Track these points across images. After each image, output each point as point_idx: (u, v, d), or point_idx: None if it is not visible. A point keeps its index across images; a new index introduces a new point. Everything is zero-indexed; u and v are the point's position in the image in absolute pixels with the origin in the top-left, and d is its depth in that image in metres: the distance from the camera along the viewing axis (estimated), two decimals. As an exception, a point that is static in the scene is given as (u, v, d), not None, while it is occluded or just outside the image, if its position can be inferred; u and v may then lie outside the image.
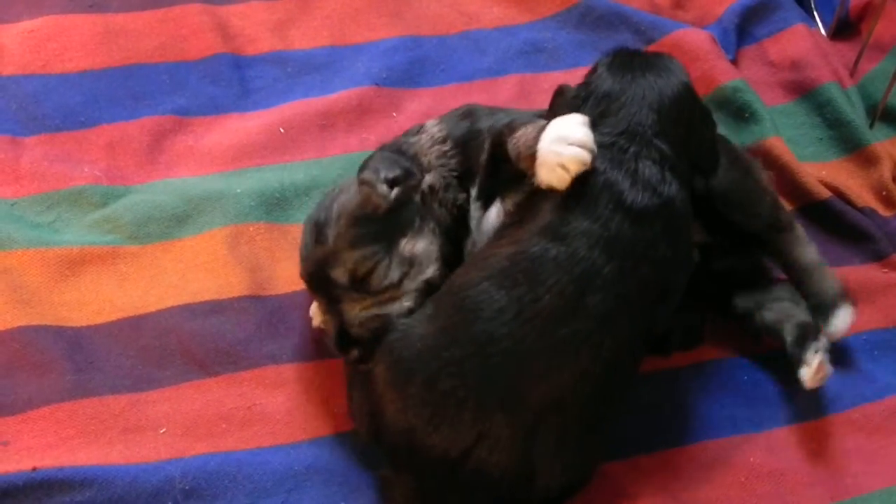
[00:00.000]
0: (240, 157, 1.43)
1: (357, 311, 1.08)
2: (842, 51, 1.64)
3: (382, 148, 1.21)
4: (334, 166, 1.42)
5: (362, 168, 1.11)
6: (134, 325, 1.22)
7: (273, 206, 1.36)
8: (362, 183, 1.08)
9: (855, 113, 1.52)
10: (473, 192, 1.17)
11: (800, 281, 1.23)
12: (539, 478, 1.02)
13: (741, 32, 1.64)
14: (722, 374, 1.23)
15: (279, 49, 1.58)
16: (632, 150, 1.06)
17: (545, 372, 0.99)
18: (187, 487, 1.09)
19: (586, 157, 1.01)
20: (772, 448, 1.16)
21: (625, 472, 1.13)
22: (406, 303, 1.08)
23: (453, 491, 1.02)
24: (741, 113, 1.50)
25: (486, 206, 1.15)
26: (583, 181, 1.02)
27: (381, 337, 1.05)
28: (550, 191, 1.03)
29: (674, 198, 1.05)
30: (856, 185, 1.45)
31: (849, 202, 1.42)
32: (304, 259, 1.12)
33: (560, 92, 1.17)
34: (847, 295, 1.21)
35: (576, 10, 1.68)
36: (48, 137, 1.42)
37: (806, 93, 1.56)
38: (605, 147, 1.05)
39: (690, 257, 1.11)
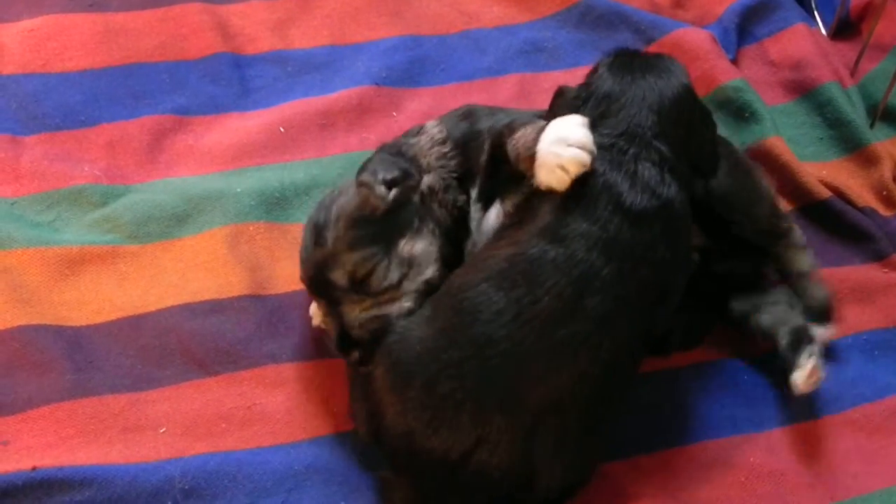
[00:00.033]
0: (240, 156, 1.43)
1: (357, 313, 1.08)
2: (842, 50, 1.64)
3: (382, 148, 1.21)
4: (334, 166, 1.42)
5: (361, 170, 1.11)
6: (134, 325, 1.22)
7: (273, 205, 1.36)
8: (360, 185, 1.08)
9: (855, 113, 1.51)
10: (473, 193, 1.16)
11: (793, 285, 1.24)
12: (539, 479, 1.02)
13: (741, 32, 1.64)
14: (722, 375, 1.23)
15: (279, 48, 1.58)
16: (631, 151, 1.06)
17: (544, 374, 0.99)
18: (187, 487, 1.09)
19: (586, 158, 1.01)
20: (772, 448, 1.16)
21: (625, 472, 1.13)
22: (406, 304, 1.08)
23: (453, 492, 1.02)
24: (741, 112, 1.50)
25: (486, 207, 1.14)
26: (582, 183, 1.02)
27: (382, 338, 1.05)
28: (550, 192, 1.03)
29: (673, 199, 1.05)
30: (856, 185, 1.45)
31: (849, 202, 1.41)
32: (304, 261, 1.12)
33: (560, 93, 1.17)
34: (830, 312, 1.22)
35: (576, 9, 1.68)
36: (48, 136, 1.42)
37: (806, 92, 1.56)
38: (605, 148, 1.05)
39: (689, 259, 1.11)
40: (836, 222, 1.40)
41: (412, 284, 1.09)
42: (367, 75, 1.54)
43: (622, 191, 1.03)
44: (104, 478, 1.07)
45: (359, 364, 1.07)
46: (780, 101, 1.57)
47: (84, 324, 1.22)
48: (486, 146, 1.14)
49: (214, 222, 1.32)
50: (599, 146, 1.04)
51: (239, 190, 1.36)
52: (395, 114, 1.51)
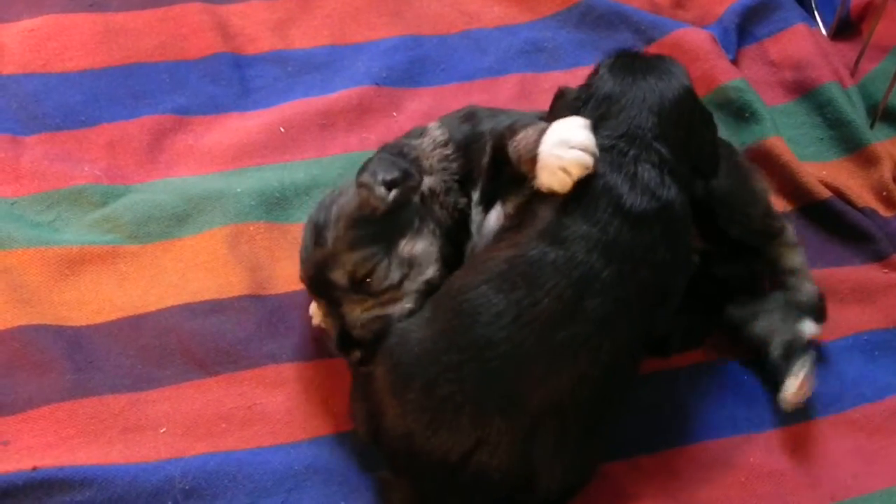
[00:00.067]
0: (240, 156, 1.43)
1: (359, 313, 1.07)
2: (842, 51, 1.64)
3: (384, 149, 1.20)
4: (334, 166, 1.42)
5: (361, 170, 1.11)
6: (134, 325, 1.22)
7: (273, 205, 1.36)
8: (360, 185, 1.08)
9: (855, 113, 1.51)
10: (474, 195, 1.16)
11: (783, 282, 1.24)
12: (540, 480, 1.02)
13: (742, 32, 1.64)
14: (722, 375, 1.23)
15: (279, 48, 1.58)
16: (631, 153, 1.06)
17: (544, 375, 0.98)
18: (187, 487, 1.09)
19: (588, 160, 1.01)
20: (772, 448, 1.16)
21: (625, 473, 1.13)
22: (407, 304, 1.08)
23: (453, 494, 1.02)
24: (742, 113, 1.50)
25: (487, 209, 1.14)
26: (582, 185, 1.02)
27: (383, 338, 1.05)
28: (551, 194, 1.03)
29: (673, 201, 1.05)
30: (856, 185, 1.45)
31: (849, 202, 1.41)
32: (304, 261, 1.12)
33: (560, 94, 1.17)
34: (818, 310, 1.22)
35: (576, 9, 1.68)
36: (48, 136, 1.42)
37: (806, 92, 1.56)
38: (605, 150, 1.05)
39: (690, 260, 1.11)
40: (836, 222, 1.40)
41: (413, 284, 1.09)
42: (367, 75, 1.54)
43: (622, 193, 1.03)
44: (104, 478, 1.07)
45: (359, 364, 1.07)
46: (780, 102, 1.57)
47: (84, 324, 1.22)
48: (488, 148, 1.13)
49: (214, 222, 1.32)
50: (600, 148, 1.04)
51: (239, 190, 1.36)
52: (395, 114, 1.51)
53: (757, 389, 1.22)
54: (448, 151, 1.18)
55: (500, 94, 1.55)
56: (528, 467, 1.00)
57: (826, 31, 1.68)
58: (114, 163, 1.41)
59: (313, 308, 1.20)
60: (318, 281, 1.09)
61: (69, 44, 1.52)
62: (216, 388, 1.18)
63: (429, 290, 1.08)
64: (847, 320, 1.29)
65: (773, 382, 1.19)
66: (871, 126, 1.53)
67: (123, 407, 1.15)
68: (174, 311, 1.24)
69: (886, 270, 1.36)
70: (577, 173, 1.01)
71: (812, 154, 1.50)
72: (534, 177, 1.04)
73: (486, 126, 1.19)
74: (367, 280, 1.07)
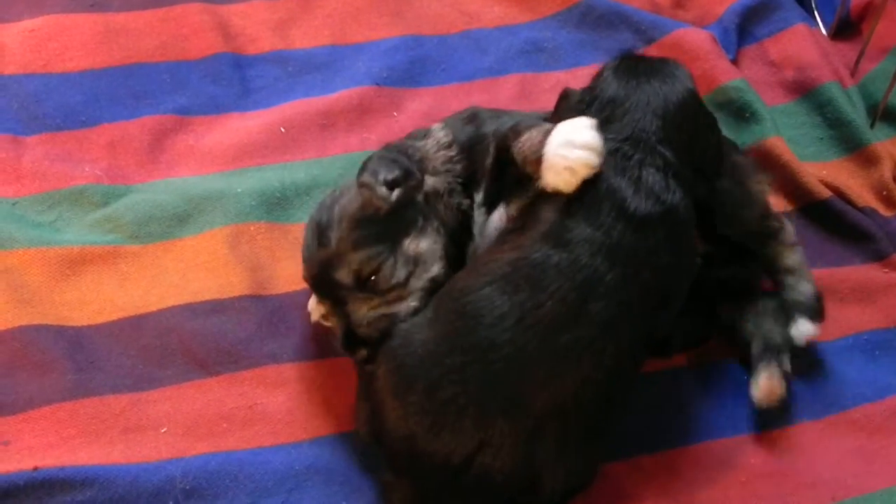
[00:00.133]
0: (240, 156, 1.43)
1: (365, 311, 1.07)
2: (842, 50, 1.64)
3: (388, 149, 1.20)
4: (335, 166, 1.42)
5: (361, 170, 1.10)
6: (135, 325, 1.22)
7: (274, 205, 1.36)
8: (361, 186, 1.07)
9: (856, 113, 1.51)
10: (477, 197, 1.16)
11: (780, 282, 1.24)
12: (543, 482, 1.02)
13: (742, 32, 1.64)
14: (723, 375, 1.23)
15: (280, 48, 1.58)
16: (636, 156, 1.06)
17: (547, 378, 0.98)
18: (188, 487, 1.09)
19: (594, 160, 1.01)
20: (772, 448, 1.16)
21: (627, 473, 1.13)
22: (412, 302, 1.07)
23: (455, 496, 1.02)
24: (742, 113, 1.50)
25: (489, 210, 1.14)
26: (586, 188, 1.02)
27: (388, 337, 1.04)
28: (554, 196, 1.03)
29: (677, 205, 1.05)
30: (856, 185, 1.45)
31: (849, 202, 1.41)
32: (307, 261, 1.12)
33: (565, 95, 1.17)
34: (815, 309, 1.22)
35: (576, 9, 1.68)
36: (49, 137, 1.42)
37: (806, 92, 1.56)
38: (609, 153, 1.05)
39: (693, 263, 1.11)
40: (836, 222, 1.40)
41: (419, 282, 1.08)
42: (367, 75, 1.54)
43: (626, 196, 1.03)
44: (105, 478, 1.07)
45: (365, 362, 1.07)
46: (780, 102, 1.57)
47: (85, 324, 1.22)
48: (491, 149, 1.13)
49: (215, 222, 1.32)
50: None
51: (240, 190, 1.36)
52: (395, 114, 1.51)
53: (758, 389, 1.22)
54: (452, 153, 1.18)
55: (501, 94, 1.55)
56: (530, 469, 1.00)
57: (826, 31, 1.68)
58: (115, 163, 1.41)
59: (312, 304, 1.20)
60: (322, 280, 1.09)
61: (70, 44, 1.52)
62: (217, 388, 1.18)
63: (434, 289, 1.08)
64: (847, 320, 1.29)
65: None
66: (872, 126, 1.53)
67: (124, 407, 1.15)
68: (175, 311, 1.24)
69: (887, 270, 1.36)
70: (583, 173, 1.01)
71: (812, 154, 1.50)
72: (538, 177, 1.03)
73: (490, 128, 1.19)
74: (373, 278, 1.07)
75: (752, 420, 1.19)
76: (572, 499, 1.06)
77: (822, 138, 1.52)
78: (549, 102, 1.19)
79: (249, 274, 1.28)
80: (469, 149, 1.18)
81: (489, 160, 1.14)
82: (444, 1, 1.68)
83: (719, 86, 1.52)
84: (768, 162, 1.42)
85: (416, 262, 1.09)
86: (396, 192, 1.07)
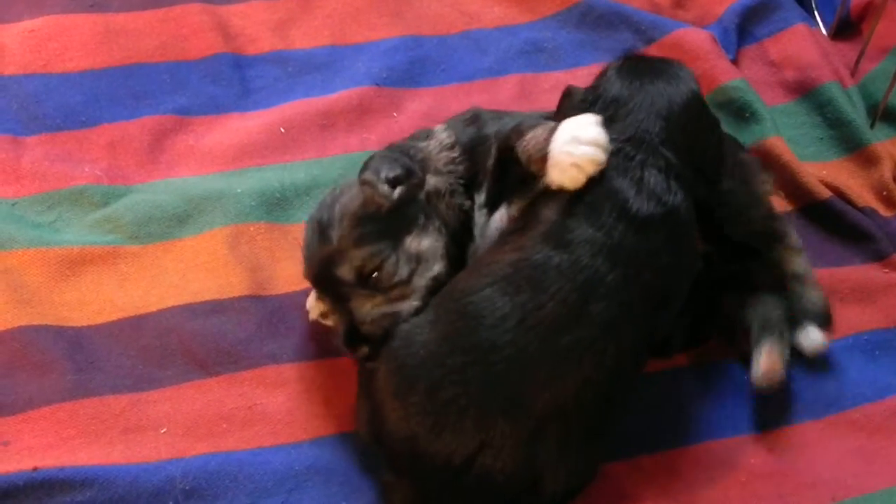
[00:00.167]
0: (240, 156, 1.43)
1: (368, 308, 1.06)
2: (843, 50, 1.64)
3: (390, 149, 1.20)
4: (335, 166, 1.42)
5: (363, 168, 1.11)
6: (135, 325, 1.22)
7: (274, 205, 1.36)
8: (363, 183, 1.08)
9: (856, 113, 1.51)
10: (478, 198, 1.16)
11: (788, 288, 1.24)
12: (543, 483, 1.01)
13: (742, 32, 1.64)
14: (723, 375, 1.23)
15: (280, 49, 1.58)
16: (638, 157, 1.05)
17: (548, 379, 0.98)
18: (188, 487, 1.09)
19: (600, 156, 1.01)
20: (772, 448, 1.16)
21: (627, 473, 1.13)
22: (414, 301, 1.07)
23: (456, 497, 1.02)
24: (742, 113, 1.50)
25: (491, 211, 1.14)
26: (588, 188, 1.02)
27: (390, 335, 1.04)
28: (555, 196, 1.03)
29: (678, 207, 1.05)
30: (856, 185, 1.45)
31: (849, 202, 1.41)
32: (309, 259, 1.12)
33: (567, 94, 1.17)
34: (824, 316, 1.22)
35: (576, 9, 1.68)
36: (49, 137, 1.42)
37: (807, 92, 1.56)
38: (612, 154, 1.04)
39: (694, 264, 1.11)
40: (836, 222, 1.40)
41: (421, 280, 1.08)
42: (367, 76, 1.54)
43: (628, 197, 1.03)
44: (105, 478, 1.07)
45: (366, 360, 1.07)
46: (780, 101, 1.57)
47: (85, 324, 1.22)
48: (493, 150, 1.13)
49: (215, 223, 1.32)
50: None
51: (239, 190, 1.36)
52: (395, 114, 1.51)
53: (758, 389, 1.22)
54: (454, 154, 1.18)
55: (501, 94, 1.55)
56: (532, 470, 1.00)
57: (826, 31, 1.68)
58: (114, 163, 1.41)
59: (310, 301, 1.19)
60: (323, 277, 1.09)
61: (70, 44, 1.52)
62: (217, 389, 1.18)
63: (436, 288, 1.07)
64: (847, 320, 1.29)
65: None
66: (872, 126, 1.53)
67: (124, 407, 1.15)
68: (175, 311, 1.24)
69: (887, 270, 1.36)
70: (589, 169, 1.01)
71: (812, 154, 1.50)
72: (543, 176, 1.03)
73: (491, 129, 1.19)
74: (376, 275, 1.07)
75: (752, 420, 1.19)
76: (573, 498, 1.06)
77: (822, 138, 1.52)
78: (549, 103, 1.19)
79: (249, 274, 1.28)
80: (471, 150, 1.18)
81: (491, 161, 1.14)
82: (444, 1, 1.68)
83: (719, 86, 1.52)
84: (768, 162, 1.42)
85: (418, 259, 1.09)
86: (398, 190, 1.07)
